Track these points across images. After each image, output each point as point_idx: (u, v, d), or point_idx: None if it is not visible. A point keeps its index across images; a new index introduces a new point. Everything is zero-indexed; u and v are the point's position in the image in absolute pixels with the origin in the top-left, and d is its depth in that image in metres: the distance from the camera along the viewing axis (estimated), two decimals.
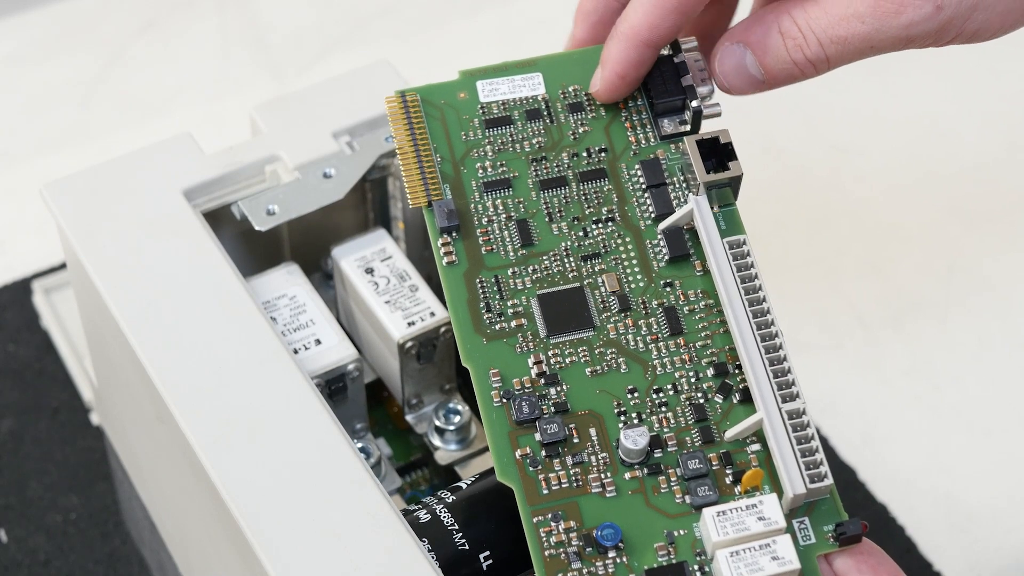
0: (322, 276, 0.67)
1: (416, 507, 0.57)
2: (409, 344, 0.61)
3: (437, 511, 0.56)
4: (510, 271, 0.55)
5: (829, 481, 0.51)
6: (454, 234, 0.56)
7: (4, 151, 0.90)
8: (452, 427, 0.63)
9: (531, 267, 0.56)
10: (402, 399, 0.63)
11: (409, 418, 0.64)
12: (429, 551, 0.54)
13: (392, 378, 0.63)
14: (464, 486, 0.58)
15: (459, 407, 0.63)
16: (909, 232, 0.87)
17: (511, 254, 0.56)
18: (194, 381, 0.56)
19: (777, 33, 0.56)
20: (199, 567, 0.64)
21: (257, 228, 0.61)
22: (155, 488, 0.66)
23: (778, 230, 0.87)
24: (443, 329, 0.61)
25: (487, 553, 0.56)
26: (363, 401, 0.62)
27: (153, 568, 0.73)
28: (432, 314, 0.61)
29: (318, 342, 0.60)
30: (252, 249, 0.65)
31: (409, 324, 0.61)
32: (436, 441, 0.63)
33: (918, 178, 0.89)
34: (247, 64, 0.95)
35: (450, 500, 0.57)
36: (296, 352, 0.60)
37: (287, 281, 0.62)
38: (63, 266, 0.83)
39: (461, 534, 0.56)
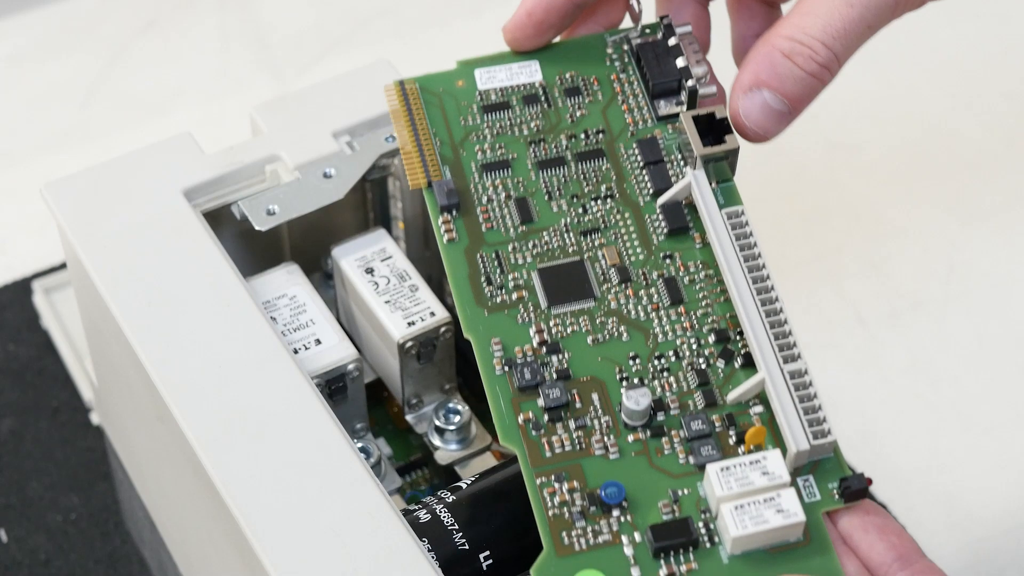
0: (322, 276, 0.67)
1: (416, 507, 0.57)
2: (409, 344, 0.61)
3: (437, 511, 0.57)
4: (510, 246, 0.56)
5: (832, 437, 0.51)
6: (454, 212, 0.57)
7: (4, 151, 0.90)
8: (452, 427, 0.63)
9: (531, 242, 0.56)
10: (402, 399, 0.63)
11: (409, 418, 0.64)
12: (429, 551, 0.54)
13: (392, 378, 0.63)
14: (464, 486, 0.58)
15: (459, 407, 0.63)
16: (908, 229, 0.87)
17: (511, 230, 0.57)
18: (194, 381, 0.56)
19: (782, 58, 0.56)
20: (199, 567, 0.64)
21: (257, 228, 0.61)
22: (155, 488, 0.66)
23: (776, 228, 0.87)
24: (443, 329, 0.61)
25: (487, 553, 0.56)
26: (363, 401, 0.62)
27: (153, 568, 0.73)
28: (432, 314, 0.61)
29: (318, 342, 0.60)
30: (252, 249, 0.65)
31: (409, 324, 0.61)
32: (436, 441, 0.63)
33: (917, 175, 0.89)
34: (247, 64, 0.95)
35: (450, 500, 0.57)
36: (296, 352, 0.60)
37: (287, 281, 0.62)
38: (63, 266, 0.83)
39: (461, 534, 0.56)
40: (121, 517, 0.75)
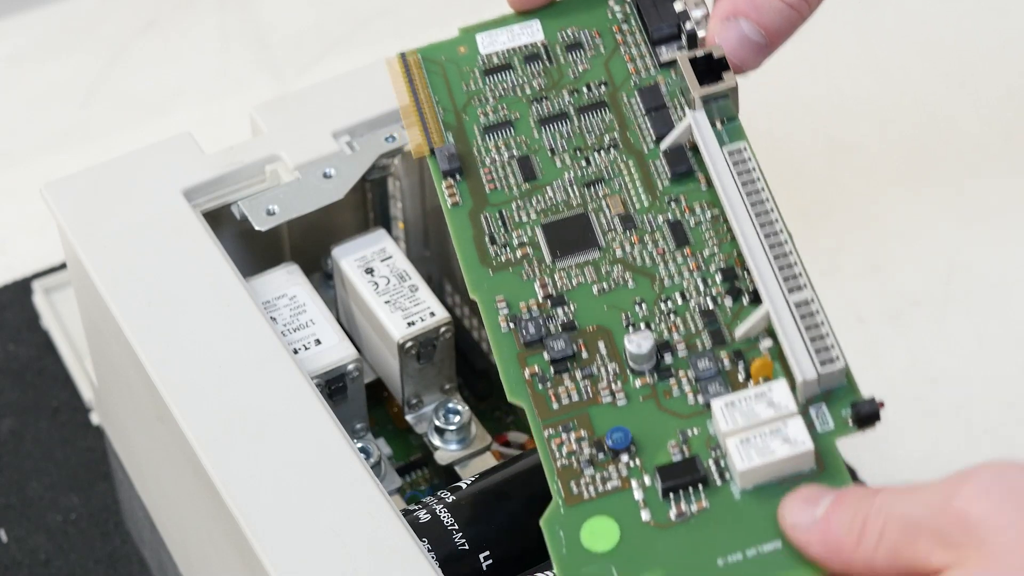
0: (322, 276, 0.67)
1: (416, 507, 0.57)
2: (409, 344, 0.61)
3: (437, 511, 0.57)
4: (514, 205, 0.56)
5: (841, 364, 0.50)
6: (457, 177, 0.57)
7: (4, 151, 0.90)
8: (452, 427, 0.63)
9: (535, 199, 0.56)
10: (402, 399, 0.63)
11: (409, 418, 0.64)
12: (429, 551, 0.54)
13: (392, 378, 0.63)
14: (464, 486, 0.58)
15: (459, 407, 0.63)
16: (908, 229, 0.87)
17: (514, 189, 0.57)
18: (194, 381, 0.56)
19: None
20: (199, 567, 0.64)
21: (257, 228, 0.61)
22: (155, 488, 0.66)
23: None
24: (443, 329, 0.61)
25: (487, 553, 0.56)
26: (363, 401, 0.62)
27: (153, 568, 0.73)
28: (432, 314, 0.61)
29: (318, 342, 0.60)
30: (252, 249, 0.65)
31: (409, 324, 0.61)
32: (436, 441, 0.63)
33: (917, 174, 0.89)
34: (247, 64, 0.95)
35: (450, 500, 0.57)
36: (296, 352, 0.60)
37: (287, 281, 0.62)
38: (63, 266, 0.83)
39: (461, 534, 0.56)
40: (121, 517, 0.75)
